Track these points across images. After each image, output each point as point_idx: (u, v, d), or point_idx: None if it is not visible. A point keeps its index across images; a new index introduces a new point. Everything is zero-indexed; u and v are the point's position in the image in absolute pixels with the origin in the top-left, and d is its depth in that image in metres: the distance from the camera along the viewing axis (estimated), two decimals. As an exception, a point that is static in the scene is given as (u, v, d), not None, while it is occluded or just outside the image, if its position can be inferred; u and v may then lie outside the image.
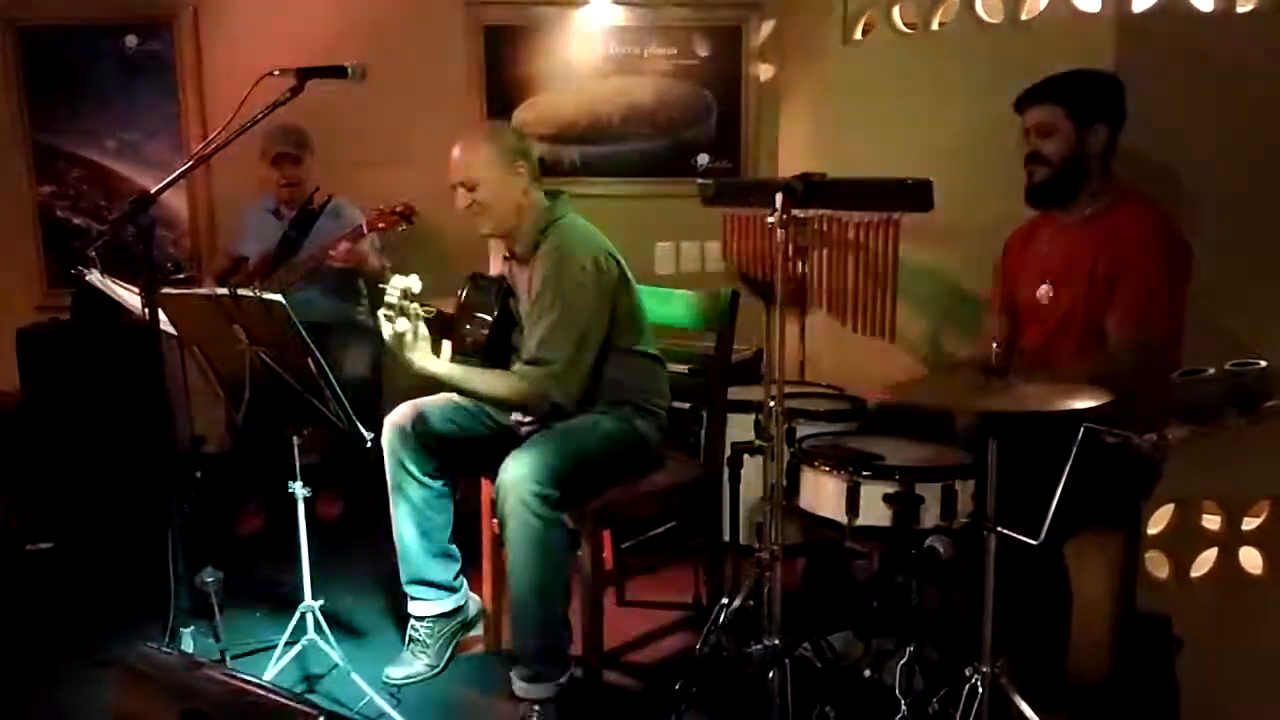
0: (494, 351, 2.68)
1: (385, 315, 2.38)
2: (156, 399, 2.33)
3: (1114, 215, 2.44)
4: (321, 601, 2.60)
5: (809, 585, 2.85)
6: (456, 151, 2.62)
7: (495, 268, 2.86)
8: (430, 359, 2.47)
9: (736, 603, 2.49)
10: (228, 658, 2.74)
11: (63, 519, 3.82)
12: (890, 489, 2.16)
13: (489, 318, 2.67)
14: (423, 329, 2.47)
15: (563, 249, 2.59)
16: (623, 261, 2.66)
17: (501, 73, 4.34)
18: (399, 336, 2.37)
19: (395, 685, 2.74)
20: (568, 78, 4.36)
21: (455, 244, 4.06)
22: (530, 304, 2.62)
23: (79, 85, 4.23)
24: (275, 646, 2.63)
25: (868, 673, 2.32)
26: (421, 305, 2.45)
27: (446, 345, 2.73)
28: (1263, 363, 1.76)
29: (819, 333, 3.95)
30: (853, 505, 2.20)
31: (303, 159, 3.83)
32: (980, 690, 2.02)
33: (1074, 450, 1.85)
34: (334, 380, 2.31)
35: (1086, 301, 2.45)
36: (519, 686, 2.52)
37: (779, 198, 2.16)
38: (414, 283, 2.42)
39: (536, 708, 2.51)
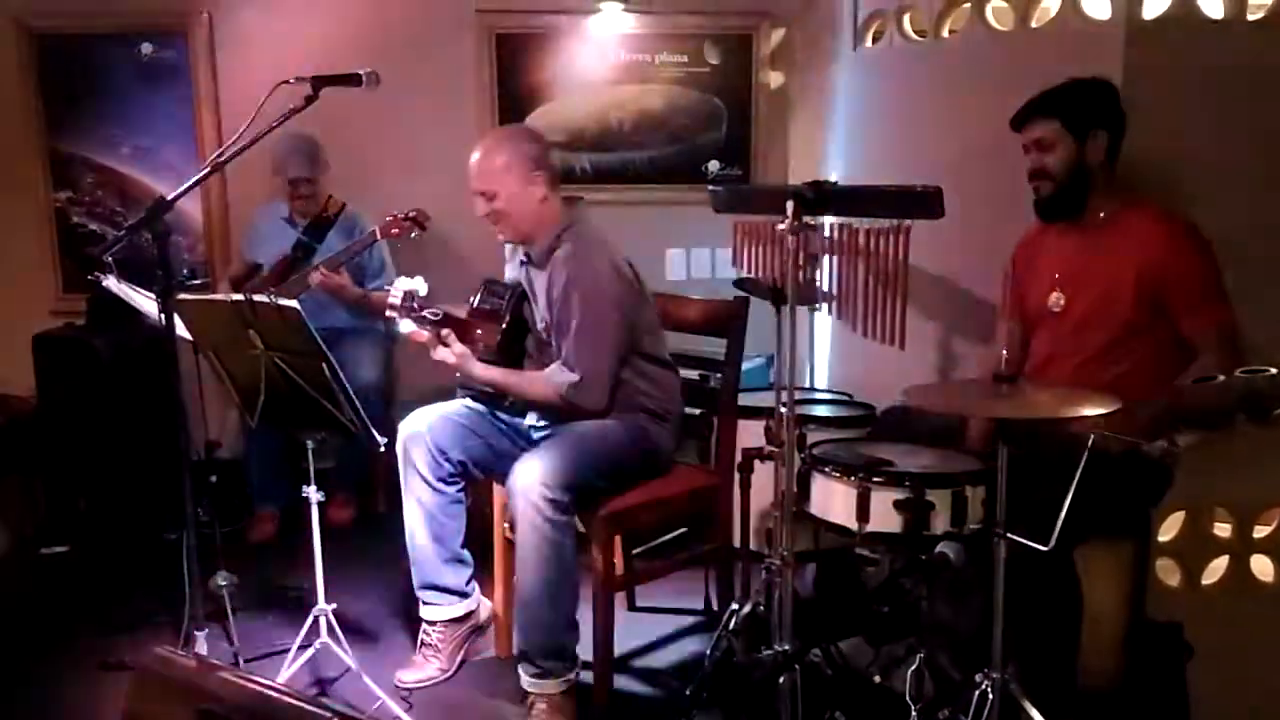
0: (505, 356, 2.71)
1: (389, 316, 2.49)
2: (171, 404, 2.35)
3: (1128, 221, 2.44)
4: (334, 605, 2.61)
5: (819, 591, 2.85)
6: (475, 158, 2.63)
7: (510, 273, 2.88)
8: (474, 365, 2.63)
9: (747, 608, 2.49)
10: (241, 661, 2.76)
11: (77, 523, 3.84)
12: (900, 495, 2.17)
13: (500, 324, 2.70)
14: (457, 343, 2.55)
15: (581, 254, 2.61)
16: (636, 268, 2.68)
17: (513, 80, 4.36)
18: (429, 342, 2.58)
19: (407, 689, 2.75)
20: (579, 85, 4.38)
21: (469, 249, 4.09)
22: (550, 309, 2.64)
23: (95, 92, 4.27)
24: (288, 650, 2.64)
25: (878, 679, 2.33)
26: (427, 308, 2.51)
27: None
28: (1273, 369, 1.76)
29: (830, 339, 3.95)
30: (863, 511, 2.20)
31: (317, 179, 3.86)
32: (990, 697, 2.02)
33: (1084, 456, 1.85)
34: (348, 385, 2.33)
35: (1105, 308, 2.45)
36: (526, 681, 2.54)
37: (790, 205, 2.17)
38: (419, 285, 2.49)
39: (542, 703, 2.53)
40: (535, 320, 2.76)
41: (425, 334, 2.60)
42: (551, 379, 2.61)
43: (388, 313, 2.56)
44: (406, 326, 2.56)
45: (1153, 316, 2.40)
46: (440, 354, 2.61)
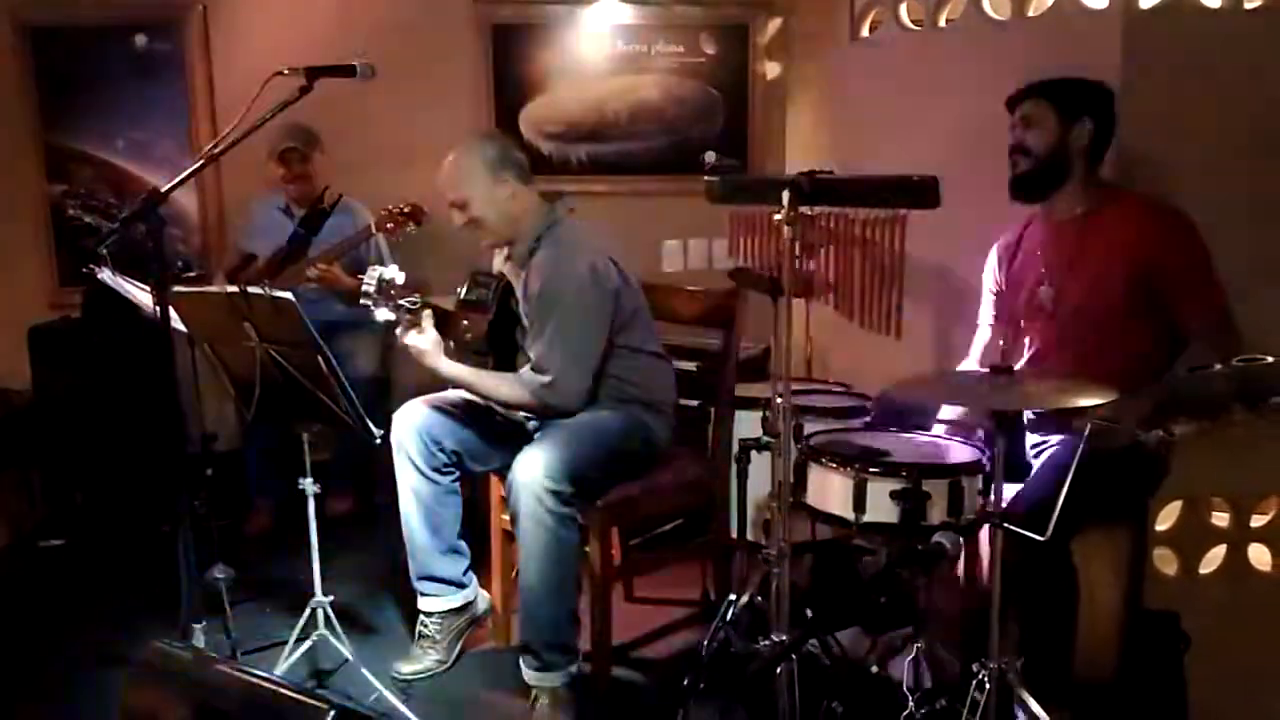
0: (494, 347, 2.71)
1: (362, 304, 2.49)
2: (167, 396, 2.34)
3: (1113, 213, 2.45)
4: (331, 597, 2.61)
5: (816, 582, 2.85)
6: (441, 172, 2.65)
7: (497, 265, 2.88)
8: (440, 359, 2.55)
9: (744, 599, 2.50)
10: (239, 654, 2.76)
11: (74, 516, 3.85)
12: (897, 485, 2.17)
13: (488, 315, 2.70)
14: (431, 330, 2.53)
15: (558, 257, 2.60)
16: (621, 263, 2.66)
17: (510, 71, 4.35)
18: (398, 327, 2.52)
19: (405, 680, 2.75)
20: (576, 76, 4.37)
21: (463, 242, 4.08)
22: (528, 309, 2.64)
23: (89, 85, 4.25)
24: (286, 642, 2.64)
25: (875, 669, 2.33)
26: (407, 296, 2.49)
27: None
28: (1270, 358, 1.76)
29: (826, 330, 3.95)
30: (860, 502, 2.20)
31: (310, 156, 3.85)
32: (987, 686, 2.02)
33: (1080, 446, 1.85)
34: (343, 377, 2.32)
35: (1096, 300, 2.45)
36: (529, 675, 2.55)
37: (786, 195, 2.16)
38: (394, 274, 2.47)
39: (545, 697, 2.53)
40: (521, 315, 2.75)
41: (402, 321, 2.56)
42: (523, 380, 2.60)
43: (362, 300, 2.51)
44: (383, 315, 2.51)
45: (1144, 306, 2.40)
46: (410, 338, 2.55)
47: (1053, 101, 2.46)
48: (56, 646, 2.99)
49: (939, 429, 2.54)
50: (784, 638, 2.23)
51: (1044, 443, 2.53)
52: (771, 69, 4.42)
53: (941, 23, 3.31)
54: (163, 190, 2.26)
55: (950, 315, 3.30)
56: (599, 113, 4.40)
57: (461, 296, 2.76)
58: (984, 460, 2.23)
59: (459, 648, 2.86)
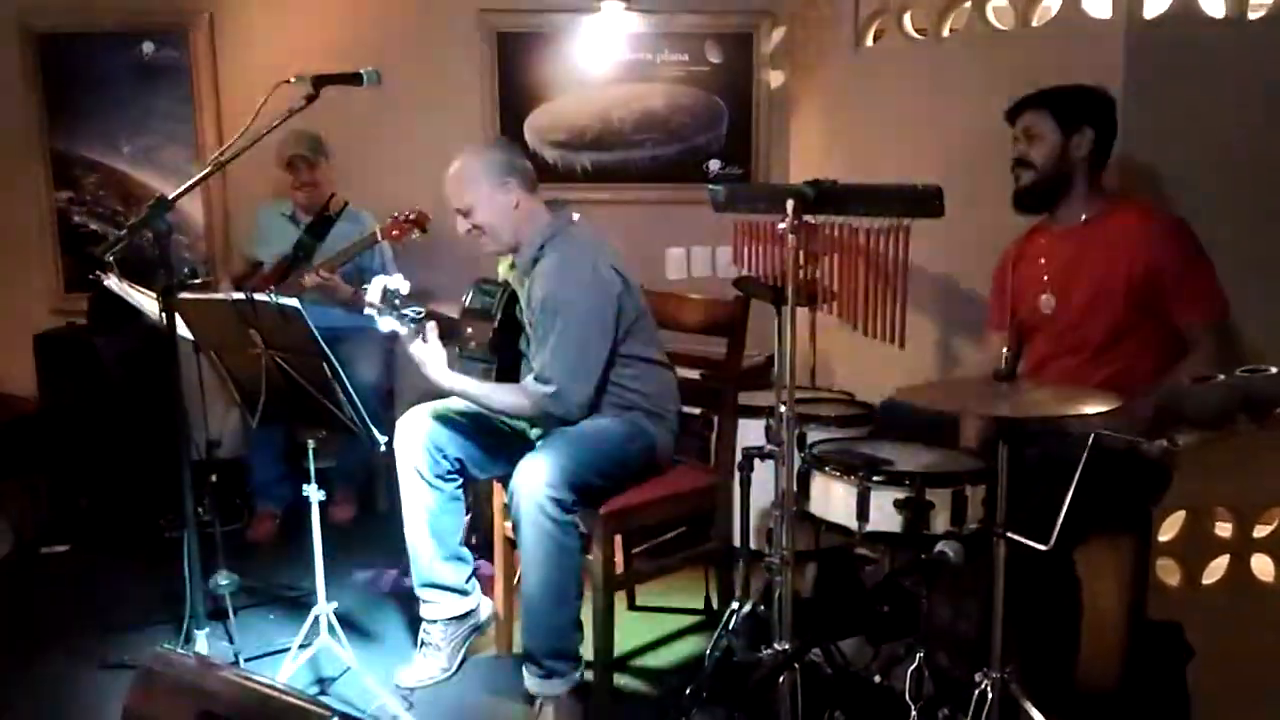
0: (498, 355, 2.71)
1: (367, 314, 2.48)
2: (172, 403, 2.35)
3: (1115, 221, 2.45)
4: (334, 604, 2.61)
5: (819, 590, 2.85)
6: (447, 179, 2.66)
7: (501, 273, 2.88)
8: (444, 371, 2.56)
9: (747, 608, 2.49)
10: (242, 660, 2.76)
11: (79, 522, 3.85)
12: (900, 494, 2.17)
13: (492, 323, 2.70)
14: (435, 341, 2.53)
15: (562, 265, 2.60)
16: (625, 271, 2.67)
17: (514, 79, 4.36)
18: (402, 336, 2.50)
19: (408, 688, 2.75)
20: (580, 84, 4.38)
21: (468, 249, 4.09)
22: (532, 318, 2.64)
23: (96, 92, 4.27)
24: (289, 649, 2.65)
25: (877, 678, 2.33)
26: (411, 306, 2.50)
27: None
28: (1274, 368, 1.76)
29: (830, 338, 3.95)
30: (863, 510, 2.20)
31: (317, 163, 3.86)
32: (990, 696, 2.02)
33: (1084, 456, 1.85)
34: (348, 384, 2.33)
35: (1097, 307, 2.45)
36: (531, 683, 2.54)
37: (790, 204, 2.17)
38: (398, 282, 2.48)
39: (548, 705, 2.53)
40: (525, 323, 2.75)
41: (406, 331, 2.54)
42: (526, 390, 2.60)
43: (365, 310, 2.51)
44: (387, 325, 2.51)
45: (1145, 314, 2.41)
46: (414, 348, 2.54)
47: (1052, 111, 2.47)
48: (60, 652, 2.99)
49: None
50: (787, 646, 2.23)
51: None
52: (776, 77, 4.43)
53: (945, 33, 3.32)
54: (170, 197, 2.27)
55: (954, 324, 3.30)
56: (603, 121, 4.41)
57: (466, 304, 2.77)
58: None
59: (461, 655, 2.86)
